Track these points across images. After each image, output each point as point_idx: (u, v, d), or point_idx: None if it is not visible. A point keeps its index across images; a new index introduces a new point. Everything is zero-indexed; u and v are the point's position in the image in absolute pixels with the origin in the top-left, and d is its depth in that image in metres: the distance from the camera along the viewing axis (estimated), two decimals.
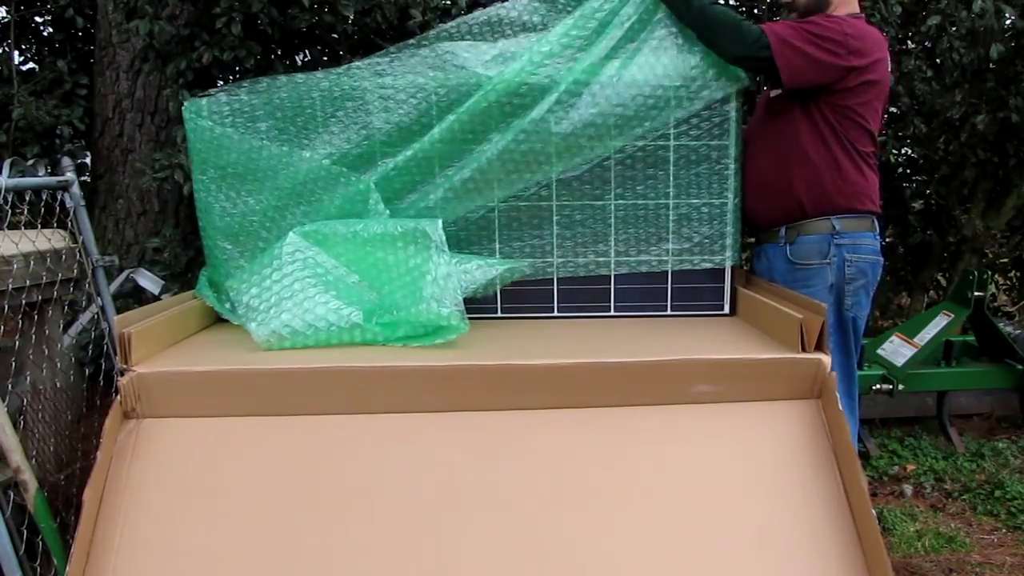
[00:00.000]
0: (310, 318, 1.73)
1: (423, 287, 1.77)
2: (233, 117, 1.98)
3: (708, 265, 2.05)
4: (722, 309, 2.08)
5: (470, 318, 1.88)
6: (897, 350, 3.27)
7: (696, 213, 2.03)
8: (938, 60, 3.49)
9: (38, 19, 3.49)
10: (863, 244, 2.15)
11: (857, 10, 2.20)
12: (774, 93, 2.19)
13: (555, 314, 2.09)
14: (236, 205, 2.02)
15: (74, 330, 2.54)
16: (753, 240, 2.42)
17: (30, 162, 2.15)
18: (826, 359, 1.55)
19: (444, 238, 1.80)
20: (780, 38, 1.99)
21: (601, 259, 2.06)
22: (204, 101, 1.99)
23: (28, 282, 2.06)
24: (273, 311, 1.74)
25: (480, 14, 2.01)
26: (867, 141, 2.15)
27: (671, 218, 2.03)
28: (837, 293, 2.14)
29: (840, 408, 1.49)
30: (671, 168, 2.01)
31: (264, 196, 1.99)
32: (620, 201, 2.02)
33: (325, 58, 2.84)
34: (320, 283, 1.80)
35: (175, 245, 2.77)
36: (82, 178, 3.01)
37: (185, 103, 2.00)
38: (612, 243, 2.05)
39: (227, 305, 1.98)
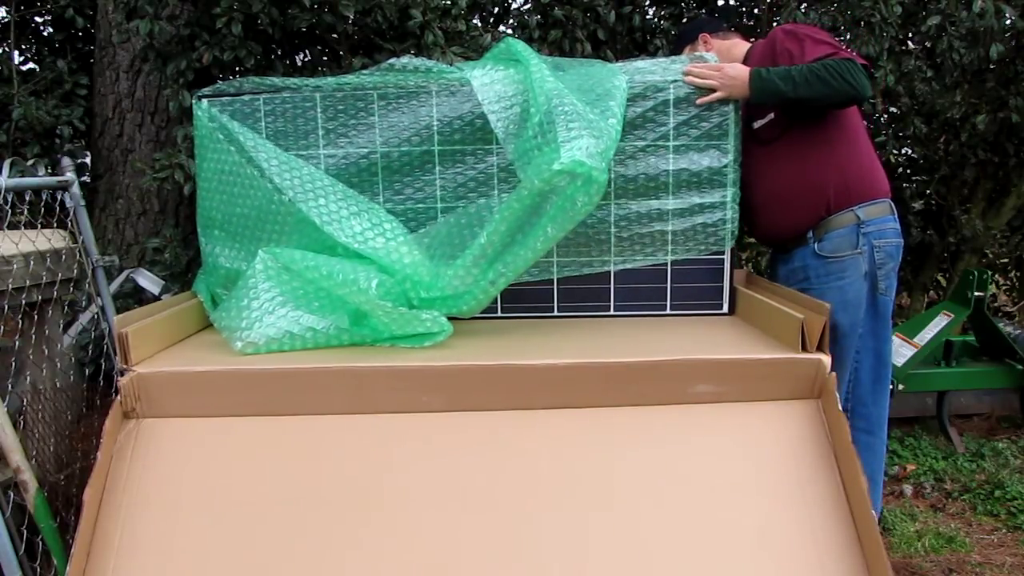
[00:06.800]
0: (295, 328, 1.73)
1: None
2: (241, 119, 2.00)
3: (709, 252, 2.05)
4: (721, 308, 2.08)
5: (470, 318, 1.88)
6: (897, 350, 3.27)
7: (697, 208, 2.04)
8: (938, 60, 3.49)
9: (38, 19, 3.49)
10: (887, 228, 2.18)
11: (746, 47, 2.32)
12: (759, 123, 2.20)
13: (555, 314, 2.09)
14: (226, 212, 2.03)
15: (74, 330, 2.54)
16: (753, 240, 2.43)
17: (30, 162, 2.15)
18: (826, 359, 1.55)
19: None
20: (848, 53, 2.04)
21: (603, 257, 2.06)
22: (208, 105, 2.01)
23: (28, 282, 2.06)
24: (256, 326, 1.73)
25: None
26: (859, 117, 2.22)
27: (671, 217, 2.04)
28: (871, 279, 2.17)
29: (840, 409, 1.49)
30: (671, 168, 2.01)
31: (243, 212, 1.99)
32: (620, 201, 2.03)
33: (325, 58, 2.84)
34: (299, 294, 1.80)
35: (175, 245, 2.77)
36: (82, 178, 3.00)
37: (195, 104, 2.02)
38: (612, 241, 2.05)
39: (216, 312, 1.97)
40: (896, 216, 2.22)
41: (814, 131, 2.13)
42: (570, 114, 1.70)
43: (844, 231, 2.15)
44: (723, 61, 2.19)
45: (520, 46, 1.98)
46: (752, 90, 2.01)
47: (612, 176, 2.00)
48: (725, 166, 2.01)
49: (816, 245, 2.18)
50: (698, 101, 1.99)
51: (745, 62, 2.21)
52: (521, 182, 1.68)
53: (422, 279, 1.79)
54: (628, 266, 2.06)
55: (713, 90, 1.99)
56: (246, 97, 2.01)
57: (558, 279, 2.07)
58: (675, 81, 2.00)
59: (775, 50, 2.13)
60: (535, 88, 1.81)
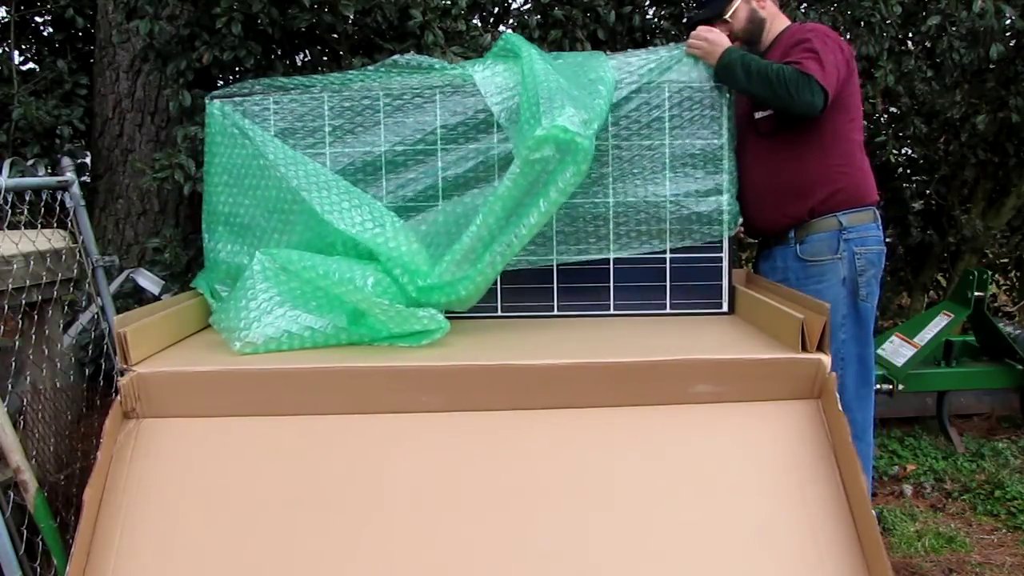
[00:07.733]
0: (294, 328, 1.73)
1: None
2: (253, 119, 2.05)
3: (706, 239, 2.06)
4: (721, 308, 2.08)
5: (470, 317, 1.89)
6: (897, 350, 3.27)
7: (693, 196, 2.05)
8: (938, 60, 3.50)
9: (38, 19, 3.49)
10: (869, 236, 2.19)
11: (785, 24, 2.28)
12: (760, 115, 2.20)
13: (555, 313, 2.09)
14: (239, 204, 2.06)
15: (74, 330, 2.54)
16: (755, 242, 2.43)
17: (30, 162, 2.15)
18: (826, 359, 1.55)
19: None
20: (821, 68, 2.00)
21: (601, 245, 2.07)
22: (220, 103, 2.06)
23: (28, 282, 2.06)
24: (255, 326, 1.72)
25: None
26: (858, 129, 2.21)
27: (669, 209, 2.05)
28: (851, 285, 2.17)
29: (840, 409, 1.49)
30: (667, 151, 2.03)
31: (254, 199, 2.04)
32: (619, 186, 2.04)
33: (325, 58, 2.84)
34: (296, 294, 1.80)
35: (175, 245, 2.77)
36: (82, 178, 3.00)
37: (208, 103, 2.07)
38: (610, 227, 2.06)
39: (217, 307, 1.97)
40: (880, 224, 2.23)
41: (810, 133, 2.12)
42: (554, 89, 1.74)
43: (825, 235, 2.17)
44: (770, 25, 2.24)
45: (516, 38, 2.04)
46: (716, 64, 2.02)
47: (609, 163, 2.03)
48: (720, 147, 2.02)
49: (798, 247, 2.19)
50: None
51: (776, 41, 2.23)
52: (513, 161, 1.72)
53: (419, 268, 1.80)
54: (625, 253, 2.06)
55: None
56: (256, 97, 2.05)
57: (558, 273, 2.08)
58: (668, 68, 2.03)
59: (791, 41, 2.14)
60: (525, 71, 1.86)
